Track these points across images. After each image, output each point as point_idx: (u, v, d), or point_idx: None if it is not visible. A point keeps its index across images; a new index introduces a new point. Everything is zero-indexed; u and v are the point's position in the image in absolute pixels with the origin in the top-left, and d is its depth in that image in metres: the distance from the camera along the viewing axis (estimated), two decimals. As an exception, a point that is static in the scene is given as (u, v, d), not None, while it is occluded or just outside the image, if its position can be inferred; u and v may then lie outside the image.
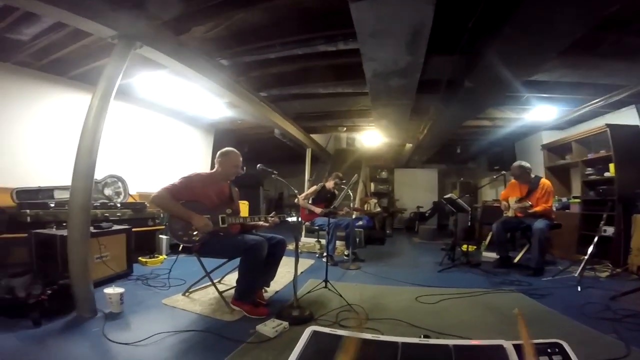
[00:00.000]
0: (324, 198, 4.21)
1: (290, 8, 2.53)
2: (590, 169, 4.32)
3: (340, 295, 2.42)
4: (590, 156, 4.27)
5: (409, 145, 6.97)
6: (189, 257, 2.74)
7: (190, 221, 2.17)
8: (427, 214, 8.39)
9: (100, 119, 2.13)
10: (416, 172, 9.26)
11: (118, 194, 3.94)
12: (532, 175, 3.79)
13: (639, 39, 2.51)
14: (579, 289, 2.76)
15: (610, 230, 3.59)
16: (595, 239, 3.15)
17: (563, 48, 2.20)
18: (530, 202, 3.61)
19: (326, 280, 2.66)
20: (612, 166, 3.80)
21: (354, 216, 4.41)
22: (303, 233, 5.78)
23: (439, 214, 8.21)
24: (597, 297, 2.51)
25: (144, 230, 3.71)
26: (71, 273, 2.05)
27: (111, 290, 2.07)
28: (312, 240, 5.34)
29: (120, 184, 3.98)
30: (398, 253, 5.10)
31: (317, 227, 4.26)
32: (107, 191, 3.84)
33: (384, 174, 9.15)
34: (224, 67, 3.38)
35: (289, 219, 2.45)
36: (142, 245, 3.65)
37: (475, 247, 4.87)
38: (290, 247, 2.62)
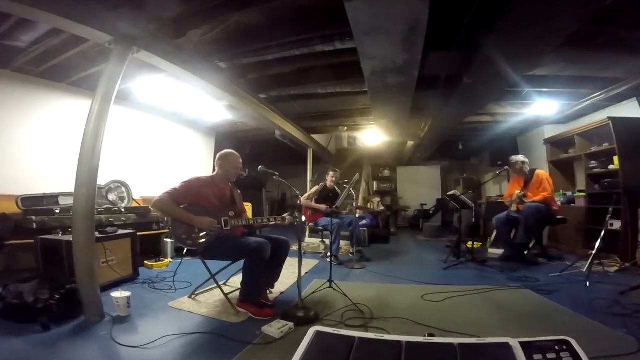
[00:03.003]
0: (326, 197, 4.21)
1: (285, 9, 2.53)
2: (594, 162, 4.27)
3: (345, 295, 2.41)
4: (594, 149, 4.23)
5: (410, 143, 6.95)
6: (194, 260, 2.75)
7: (193, 223, 2.18)
8: (431, 212, 8.36)
9: (101, 124, 2.14)
10: (419, 170, 9.23)
11: (122, 199, 3.96)
12: (528, 168, 3.90)
13: (635, 33, 2.49)
14: (588, 284, 2.73)
15: (617, 224, 3.54)
16: (602, 233, 3.11)
17: (559, 42, 2.19)
18: (523, 192, 3.76)
19: (331, 280, 2.65)
20: (616, 159, 3.76)
21: (357, 215, 4.40)
22: (307, 233, 5.78)
23: (443, 211, 8.17)
24: (606, 292, 2.48)
25: (148, 234, 3.74)
26: (78, 278, 2.07)
27: (118, 294, 2.08)
28: (316, 240, 5.34)
29: (123, 189, 4.01)
30: (403, 251, 5.08)
31: (320, 228, 4.26)
32: (111, 196, 3.86)
33: (386, 172, 9.14)
34: (222, 70, 3.39)
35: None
36: (147, 249, 3.67)
37: (480, 243, 4.84)
38: (294, 247, 2.62)
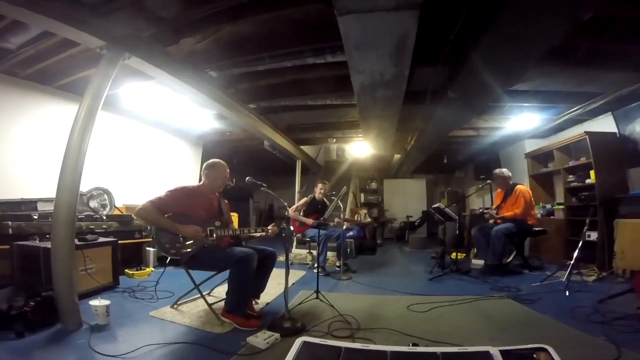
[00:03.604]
0: (315, 209, 4.21)
1: (278, 21, 2.58)
2: (572, 176, 4.45)
3: (332, 306, 2.40)
4: (572, 163, 4.42)
5: (397, 156, 7.09)
6: (177, 270, 2.70)
7: (177, 232, 2.15)
8: (416, 223, 8.45)
9: (86, 130, 2.11)
10: (405, 182, 9.37)
11: (104, 206, 3.86)
12: (511, 182, 4.02)
13: (612, 46, 2.64)
14: (567, 293, 2.81)
15: (594, 235, 3.69)
16: (580, 243, 3.22)
17: (541, 55, 2.29)
18: (493, 209, 3.97)
19: (317, 291, 2.63)
20: (592, 173, 3.94)
21: (344, 227, 4.41)
22: (294, 244, 5.74)
23: (429, 223, 8.27)
24: (586, 301, 2.55)
25: (130, 243, 3.65)
26: (55, 285, 2.00)
27: (97, 302, 2.02)
28: (304, 251, 5.30)
29: (106, 196, 3.91)
30: (389, 262, 5.10)
31: (308, 239, 4.25)
32: (93, 203, 3.75)
33: (373, 185, 9.23)
34: (212, 79, 3.40)
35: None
36: (128, 257, 3.58)
37: (464, 254, 4.92)
38: (281, 258, 2.60)
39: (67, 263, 2.03)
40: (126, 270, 3.38)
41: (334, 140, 6.08)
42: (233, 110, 3.86)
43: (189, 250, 2.19)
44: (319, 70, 3.24)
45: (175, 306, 2.42)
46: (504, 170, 4.15)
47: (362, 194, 8.98)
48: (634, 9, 2.18)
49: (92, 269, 2.67)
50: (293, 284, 3.31)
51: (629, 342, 1.73)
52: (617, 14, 2.29)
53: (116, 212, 3.92)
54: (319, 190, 4.32)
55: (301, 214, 4.21)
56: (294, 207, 4.27)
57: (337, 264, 4.16)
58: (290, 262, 4.48)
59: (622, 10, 2.23)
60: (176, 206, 2.22)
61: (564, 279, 3.06)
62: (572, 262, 3.12)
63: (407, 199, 9.21)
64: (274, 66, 3.04)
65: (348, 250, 4.82)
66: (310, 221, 4.01)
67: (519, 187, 3.96)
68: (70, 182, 2.05)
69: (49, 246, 2.08)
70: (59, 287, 2.00)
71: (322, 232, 3.82)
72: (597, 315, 2.20)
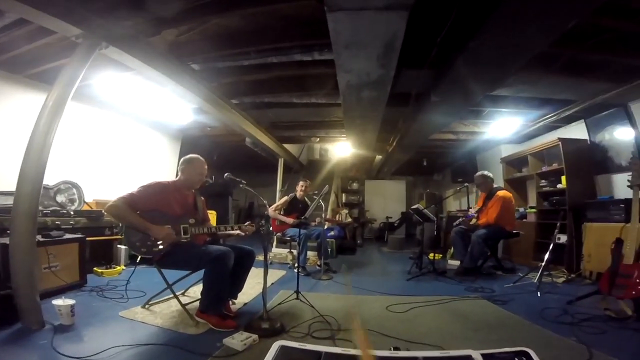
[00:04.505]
0: (296, 208, 4.17)
1: (268, 16, 2.53)
2: (544, 181, 4.64)
3: (312, 306, 2.37)
4: (544, 169, 4.60)
5: (378, 157, 7.15)
6: (149, 268, 2.58)
7: (149, 232, 2.05)
8: (395, 224, 8.59)
9: (54, 120, 1.99)
10: (385, 184, 9.50)
11: (72, 201, 3.65)
12: (495, 186, 4.08)
13: (592, 55, 2.74)
14: (539, 294, 2.91)
15: (563, 238, 3.84)
16: (550, 246, 3.34)
17: (525, 62, 2.36)
18: (474, 211, 4.07)
19: (297, 291, 2.60)
20: (563, 178, 4.10)
21: (325, 227, 4.40)
22: (274, 244, 5.67)
23: (407, 224, 8.44)
24: (556, 302, 2.65)
25: (100, 240, 3.48)
26: (14, 283, 1.87)
27: (60, 301, 1.91)
28: (284, 251, 5.24)
29: (74, 190, 3.70)
30: (368, 262, 5.13)
31: (288, 238, 4.20)
32: (60, 198, 3.55)
33: (355, 185, 9.29)
34: (194, 72, 3.29)
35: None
36: (98, 255, 3.42)
37: (441, 255, 5.03)
38: (261, 257, 2.54)
39: (27, 260, 1.89)
40: (95, 269, 3.22)
41: (317, 139, 6.05)
42: (215, 104, 3.75)
43: (161, 248, 2.09)
44: (305, 67, 3.20)
45: (146, 306, 2.31)
46: (486, 173, 4.17)
47: (343, 194, 9.02)
48: (616, 20, 2.27)
49: (56, 267, 2.51)
50: (272, 283, 3.25)
51: (598, 343, 1.79)
52: (599, 24, 2.36)
53: (86, 207, 3.73)
54: (300, 189, 4.29)
55: (281, 212, 4.15)
56: (274, 206, 4.21)
57: (318, 263, 4.14)
58: (269, 262, 4.45)
59: (604, 20, 2.30)
60: (149, 203, 2.12)
61: (535, 281, 3.17)
62: (543, 264, 3.24)
63: (387, 200, 9.34)
64: (260, 61, 2.97)
65: (329, 249, 4.82)
66: (290, 220, 3.98)
67: (499, 192, 3.98)
68: (33, 174, 1.92)
69: (7, 242, 1.94)
70: (18, 285, 1.87)
71: (302, 231, 3.78)
72: (566, 317, 2.27)
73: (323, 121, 5.09)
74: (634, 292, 2.17)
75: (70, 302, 1.92)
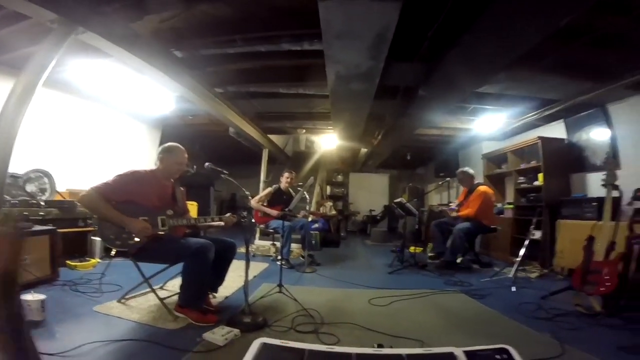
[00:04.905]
0: (280, 199, 4.11)
1: (257, 3, 2.44)
2: (522, 177, 4.78)
3: (296, 300, 2.36)
4: (523, 166, 4.73)
5: (364, 150, 7.17)
6: (126, 262, 2.49)
7: (123, 225, 1.96)
8: (378, 217, 8.69)
9: (22, 107, 1.90)
10: (370, 177, 9.58)
11: (43, 190, 3.47)
12: (475, 182, 4.20)
13: (578, 55, 2.78)
14: (514, 289, 3.00)
15: (538, 234, 3.98)
16: (526, 242, 3.47)
17: (514, 59, 2.37)
18: (456, 205, 4.22)
19: (280, 285, 2.57)
20: (540, 176, 4.24)
21: (310, 219, 4.37)
22: (257, 236, 5.62)
23: (390, 217, 8.55)
24: (530, 297, 2.73)
25: (73, 232, 3.32)
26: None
27: (30, 296, 1.81)
28: (267, 243, 5.21)
29: (46, 179, 3.51)
30: (352, 255, 5.18)
31: (271, 230, 4.15)
32: (30, 187, 3.35)
33: (340, 178, 9.32)
34: (177, 59, 3.15)
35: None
36: (71, 248, 3.26)
37: (422, 249, 5.13)
38: (243, 250, 2.50)
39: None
40: (68, 262, 3.08)
41: (304, 130, 5.99)
42: (198, 93, 3.62)
43: (137, 241, 2.00)
44: (294, 58, 3.13)
45: (122, 301, 2.23)
46: (467, 169, 4.30)
47: (328, 187, 9.02)
48: (610, 16, 2.27)
49: (25, 260, 2.37)
50: (255, 276, 3.22)
51: (570, 338, 1.85)
52: (592, 23, 2.37)
53: (58, 197, 3.54)
54: (285, 180, 4.23)
55: (265, 204, 4.09)
56: (257, 197, 4.14)
57: (302, 255, 4.13)
58: (252, 254, 4.41)
59: (598, 20, 2.31)
60: (125, 193, 2.02)
61: (511, 275, 3.28)
62: (518, 259, 3.35)
63: (370, 193, 9.43)
64: (247, 50, 2.88)
65: (313, 242, 4.82)
66: (274, 212, 3.92)
67: (480, 187, 4.13)
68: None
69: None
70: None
71: (286, 223, 3.75)
72: (541, 312, 2.35)
73: (310, 112, 5.03)
74: (602, 289, 2.25)
75: (41, 297, 1.82)
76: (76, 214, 3.38)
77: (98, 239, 3.51)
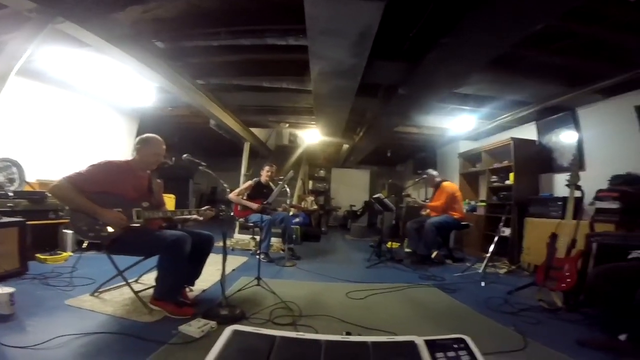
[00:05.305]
0: (260, 193, 4.10)
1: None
2: (495, 176, 4.98)
3: (274, 292, 2.39)
4: (496, 165, 4.93)
5: (345, 146, 7.24)
6: (99, 255, 2.44)
7: (97, 216, 1.91)
8: (358, 213, 8.81)
9: None
10: (351, 172, 9.68)
11: (11, 180, 3.31)
12: (438, 180, 4.45)
13: (552, 59, 2.91)
14: (483, 284, 3.14)
15: (507, 231, 4.17)
16: (496, 238, 3.60)
17: (490, 61, 2.47)
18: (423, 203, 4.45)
19: (258, 278, 2.59)
20: (512, 175, 4.44)
21: (291, 213, 4.39)
22: (237, 230, 5.58)
23: (370, 213, 8.69)
24: (498, 292, 2.84)
25: (44, 224, 3.20)
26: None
27: (-2, 289, 1.75)
28: (247, 237, 5.20)
29: (14, 169, 3.36)
30: (332, 250, 5.25)
31: (251, 224, 4.14)
32: (-4, 176, 3.19)
33: (322, 173, 9.36)
34: (159, 50, 3.08)
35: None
36: (42, 240, 3.15)
37: (399, 244, 5.27)
38: (221, 243, 2.49)
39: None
40: (38, 255, 2.97)
41: (287, 125, 5.97)
42: (178, 84, 3.55)
43: (111, 232, 1.96)
44: (278, 52, 3.11)
45: (96, 294, 2.19)
46: (429, 171, 4.58)
47: (310, 181, 9.05)
48: (583, 24, 2.39)
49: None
50: (234, 270, 3.22)
51: (533, 332, 1.94)
52: (565, 29, 2.49)
53: (28, 188, 3.39)
54: (265, 174, 4.21)
55: (245, 197, 4.07)
56: (237, 190, 4.10)
57: (282, 249, 4.14)
58: (231, 248, 4.39)
59: (571, 25, 2.42)
60: (99, 183, 1.97)
61: (480, 271, 3.43)
62: (488, 255, 3.50)
63: (351, 189, 9.54)
64: (231, 43, 2.84)
65: (294, 236, 4.84)
66: (254, 205, 3.90)
67: (444, 183, 4.38)
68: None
69: None
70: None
71: (265, 217, 3.75)
72: (507, 306, 2.43)
73: (293, 107, 5.02)
74: (563, 285, 2.35)
75: (9, 290, 1.77)
76: (47, 206, 3.25)
77: (70, 231, 3.40)
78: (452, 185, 4.43)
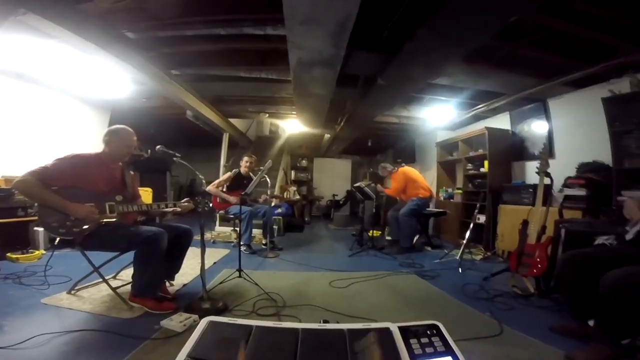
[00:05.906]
0: (240, 184, 4.04)
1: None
2: (470, 164, 5.13)
3: (256, 284, 2.41)
4: (472, 154, 5.07)
5: (327, 136, 7.22)
6: (74, 252, 2.36)
7: (66, 211, 1.84)
8: (341, 202, 8.88)
9: None
10: (333, 162, 9.71)
11: (-27, 176, 3.11)
12: (391, 169, 4.69)
13: (527, 52, 2.98)
14: (460, 270, 3.24)
15: (482, 218, 4.32)
16: (471, 225, 3.71)
17: (467, 53, 2.51)
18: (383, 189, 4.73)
19: (240, 270, 2.58)
20: (486, 163, 4.58)
21: (273, 204, 4.37)
22: (217, 222, 5.52)
23: (352, 202, 8.77)
24: (474, 278, 2.94)
25: (12, 222, 3.07)
26: None
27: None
28: (228, 229, 5.16)
29: (-24, 163, 3.15)
30: (315, 240, 5.30)
31: (232, 216, 4.10)
32: (-44, 172, 2.99)
33: (304, 163, 9.33)
34: (129, 40, 2.93)
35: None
36: (11, 239, 3.03)
37: (380, 232, 5.38)
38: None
39: None
40: (8, 254, 2.86)
41: (267, 115, 5.87)
42: (151, 75, 3.41)
43: (84, 228, 1.90)
44: (256, 42, 3.04)
45: (72, 292, 2.14)
46: (382, 164, 4.83)
47: (292, 171, 9.01)
48: (555, 18, 2.46)
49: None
50: (215, 262, 3.20)
51: (508, 318, 2.00)
52: (539, 22, 2.55)
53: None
54: (244, 165, 4.14)
55: (224, 189, 4.01)
56: (216, 182, 4.02)
57: (264, 241, 4.14)
58: (212, 241, 4.34)
59: (543, 18, 2.48)
60: (66, 177, 1.90)
61: (457, 257, 3.56)
62: (464, 242, 3.62)
63: (334, 178, 9.59)
64: (206, 32, 2.75)
65: (276, 227, 4.83)
66: (232, 199, 3.85)
67: (400, 169, 4.58)
68: None
69: None
70: None
71: (245, 209, 3.71)
72: (482, 292, 2.51)
73: (273, 97, 4.93)
74: (535, 271, 2.44)
75: (-22, 291, 1.69)
76: (14, 203, 3.11)
77: (41, 229, 3.26)
78: (405, 168, 4.59)
